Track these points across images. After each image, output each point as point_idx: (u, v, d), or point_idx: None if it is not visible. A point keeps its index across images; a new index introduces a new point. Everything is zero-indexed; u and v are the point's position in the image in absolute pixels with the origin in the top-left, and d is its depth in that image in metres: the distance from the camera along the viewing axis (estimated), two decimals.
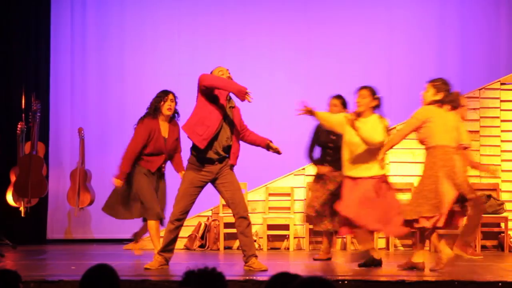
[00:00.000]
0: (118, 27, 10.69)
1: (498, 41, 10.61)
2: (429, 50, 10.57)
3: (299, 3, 10.71)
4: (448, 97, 6.63)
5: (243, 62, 10.46)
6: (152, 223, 7.48)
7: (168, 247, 6.80)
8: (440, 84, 6.68)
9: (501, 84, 9.67)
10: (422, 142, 6.67)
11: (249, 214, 6.81)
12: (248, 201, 9.60)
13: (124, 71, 10.59)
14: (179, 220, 6.72)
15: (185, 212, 6.73)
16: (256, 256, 6.67)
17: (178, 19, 10.69)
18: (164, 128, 7.51)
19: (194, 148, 6.66)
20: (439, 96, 6.62)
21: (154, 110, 7.45)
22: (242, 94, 6.46)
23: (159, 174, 7.58)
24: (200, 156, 6.63)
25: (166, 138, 7.48)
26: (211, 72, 6.89)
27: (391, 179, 9.54)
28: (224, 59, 10.61)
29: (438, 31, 10.63)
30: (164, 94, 7.52)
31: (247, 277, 5.69)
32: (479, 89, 9.69)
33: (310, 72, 10.56)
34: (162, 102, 7.47)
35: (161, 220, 7.48)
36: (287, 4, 10.71)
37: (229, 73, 6.87)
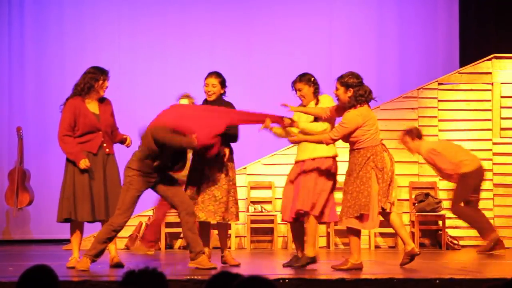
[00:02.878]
0: (56, 23, 10.57)
1: (436, 42, 10.79)
2: (369, 50, 10.69)
3: (238, 2, 10.74)
4: (358, 91, 6.47)
5: (184, 62, 10.45)
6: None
7: (101, 254, 6.51)
8: (348, 79, 6.50)
9: (439, 84, 9.83)
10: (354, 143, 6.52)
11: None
12: None
13: (63, 68, 10.47)
14: (122, 228, 6.55)
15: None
16: (204, 253, 6.61)
17: (118, 20, 10.61)
18: (93, 105, 6.88)
19: (153, 156, 6.44)
20: (349, 93, 6.46)
21: (86, 88, 6.84)
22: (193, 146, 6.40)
23: (105, 157, 6.89)
24: (160, 165, 6.48)
25: (98, 114, 6.87)
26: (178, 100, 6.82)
27: None
28: (165, 60, 10.60)
29: (377, 32, 10.76)
30: (100, 73, 6.87)
31: (189, 277, 5.68)
32: (417, 89, 9.83)
33: (251, 72, 10.59)
34: (101, 82, 6.86)
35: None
36: (226, 3, 10.73)
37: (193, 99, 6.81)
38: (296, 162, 6.92)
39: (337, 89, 6.53)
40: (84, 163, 6.73)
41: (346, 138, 6.49)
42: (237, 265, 7.02)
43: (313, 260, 6.72)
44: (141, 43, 10.60)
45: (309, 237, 6.76)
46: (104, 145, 6.89)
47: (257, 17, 10.75)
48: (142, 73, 10.53)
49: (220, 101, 7.02)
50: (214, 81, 7.01)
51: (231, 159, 7.02)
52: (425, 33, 10.79)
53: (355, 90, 6.45)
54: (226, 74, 10.55)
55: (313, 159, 6.75)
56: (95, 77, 6.87)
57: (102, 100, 6.96)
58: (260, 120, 6.72)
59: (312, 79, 6.87)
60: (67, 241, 8.95)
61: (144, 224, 9.46)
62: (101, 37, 10.57)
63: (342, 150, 7.06)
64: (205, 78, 7.08)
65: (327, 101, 6.83)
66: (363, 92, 6.46)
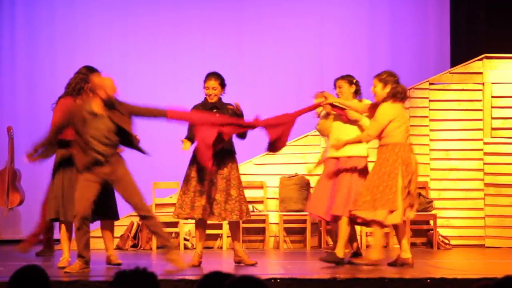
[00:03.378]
0: (48, 23, 10.54)
1: (427, 42, 10.81)
2: (360, 50, 10.71)
3: (231, 2, 10.74)
4: (396, 89, 6.70)
5: (175, 62, 10.44)
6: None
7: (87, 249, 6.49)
8: (386, 76, 6.76)
9: (430, 84, 9.84)
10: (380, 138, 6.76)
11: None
12: None
13: (55, 68, 10.44)
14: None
15: None
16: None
17: (110, 20, 10.59)
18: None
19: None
20: (387, 89, 6.69)
21: (77, 88, 6.82)
22: None
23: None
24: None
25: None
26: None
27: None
28: (156, 60, 10.59)
29: (368, 32, 10.78)
30: (90, 73, 6.73)
31: (180, 277, 5.68)
32: (409, 89, 9.80)
33: (243, 71, 10.59)
34: (87, 82, 6.73)
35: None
36: (217, 3, 10.72)
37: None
38: (331, 158, 7.08)
39: (374, 85, 6.78)
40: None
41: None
42: (254, 264, 7.06)
43: (341, 261, 6.79)
44: (133, 43, 10.58)
45: (340, 238, 6.88)
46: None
47: (248, 17, 10.75)
48: (133, 74, 10.50)
49: (220, 103, 7.07)
50: (214, 83, 7.12)
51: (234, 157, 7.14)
52: (416, 33, 10.81)
53: (393, 87, 6.68)
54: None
55: (349, 157, 6.97)
56: (85, 78, 6.83)
57: None
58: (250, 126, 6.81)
59: (354, 80, 7.18)
60: (57, 241, 8.94)
61: (135, 224, 9.44)
62: (92, 37, 10.53)
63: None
64: (205, 81, 7.16)
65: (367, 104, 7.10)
66: (400, 90, 6.70)
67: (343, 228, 6.86)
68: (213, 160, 6.77)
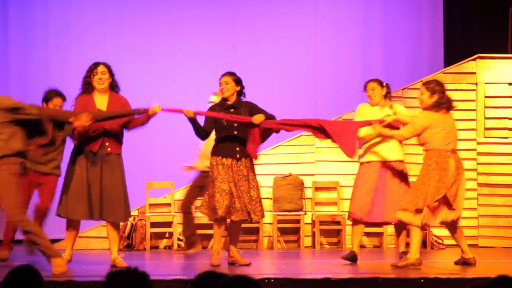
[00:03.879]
0: (42, 25, 10.50)
1: (420, 42, 10.83)
2: (354, 50, 10.71)
3: (225, 1, 10.74)
4: (442, 99, 6.88)
5: (170, 62, 10.43)
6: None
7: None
8: (434, 86, 6.92)
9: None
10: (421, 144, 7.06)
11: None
12: (175, 200, 9.57)
13: (49, 68, 10.41)
14: None
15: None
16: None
17: (104, 20, 10.58)
18: (101, 101, 6.85)
19: None
20: (434, 98, 6.87)
21: (86, 85, 6.89)
22: None
23: (104, 156, 6.77)
24: None
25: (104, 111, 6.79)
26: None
27: (318, 178, 9.71)
28: (152, 58, 10.58)
29: (362, 32, 10.79)
30: (94, 67, 6.94)
31: (174, 277, 5.68)
32: (402, 89, 9.85)
33: (237, 71, 10.56)
34: (92, 76, 6.88)
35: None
36: (211, 2, 10.72)
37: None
38: (371, 162, 7.31)
39: (422, 93, 7.00)
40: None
41: (417, 139, 7.01)
42: (248, 264, 7.10)
43: (415, 263, 6.90)
44: (127, 43, 10.56)
45: (413, 244, 6.98)
46: (106, 144, 6.76)
47: (242, 16, 10.75)
48: (128, 73, 10.49)
49: (238, 102, 7.11)
50: (227, 78, 7.19)
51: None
52: (410, 33, 10.82)
53: (439, 97, 6.90)
54: (212, 73, 10.57)
55: (400, 161, 7.38)
56: (89, 73, 6.94)
57: (114, 96, 6.94)
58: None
59: (384, 84, 7.45)
60: (52, 241, 8.93)
61: (129, 224, 9.42)
62: (87, 37, 10.51)
63: None
64: (219, 78, 7.25)
65: (401, 109, 7.52)
66: (445, 100, 6.94)
67: (416, 233, 6.93)
68: (243, 157, 6.98)
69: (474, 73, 9.82)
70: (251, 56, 10.61)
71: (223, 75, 7.24)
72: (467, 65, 9.86)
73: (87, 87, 6.91)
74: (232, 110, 7.10)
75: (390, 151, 7.31)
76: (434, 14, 10.84)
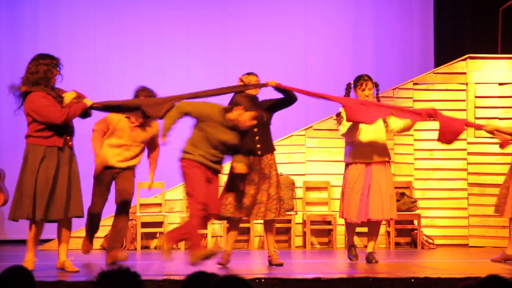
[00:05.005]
0: (31, 26, 10.49)
1: (411, 43, 10.85)
2: (344, 50, 10.73)
3: (215, 0, 10.75)
4: None
5: (160, 62, 10.43)
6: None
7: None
8: None
9: (414, 84, 9.87)
10: None
11: None
12: (166, 200, 9.57)
13: None
14: None
15: None
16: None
17: (94, 21, 10.56)
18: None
19: None
20: None
21: (46, 79, 6.41)
22: None
23: (70, 151, 6.50)
24: None
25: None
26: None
27: (309, 178, 9.72)
28: (141, 58, 10.56)
29: (352, 32, 10.80)
30: (56, 60, 6.50)
31: (165, 277, 5.67)
32: (393, 89, 9.87)
33: (227, 69, 10.59)
34: (55, 71, 6.48)
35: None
36: (203, 1, 10.72)
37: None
38: (363, 163, 7.38)
39: None
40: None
41: None
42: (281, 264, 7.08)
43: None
44: (117, 43, 10.56)
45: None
46: (68, 138, 6.50)
47: (232, 14, 10.76)
48: (117, 74, 10.49)
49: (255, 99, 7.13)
50: (255, 77, 7.22)
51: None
52: (401, 33, 10.85)
53: None
54: (202, 72, 10.60)
55: (387, 161, 7.52)
56: (51, 67, 6.49)
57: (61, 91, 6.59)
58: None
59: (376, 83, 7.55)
60: (43, 241, 8.91)
61: None
62: (76, 38, 10.49)
63: None
64: (246, 75, 7.22)
65: None
66: None
67: None
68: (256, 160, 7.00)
69: (465, 73, 9.85)
70: (241, 54, 10.61)
71: (252, 74, 7.23)
72: (458, 65, 9.88)
73: (48, 81, 6.52)
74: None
75: (377, 152, 7.32)
76: (425, 14, 10.87)
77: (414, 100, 9.79)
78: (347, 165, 7.40)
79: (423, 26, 10.86)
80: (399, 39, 10.82)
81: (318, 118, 9.77)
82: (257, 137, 7.00)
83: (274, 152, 7.16)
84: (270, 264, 7.12)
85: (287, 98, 7.08)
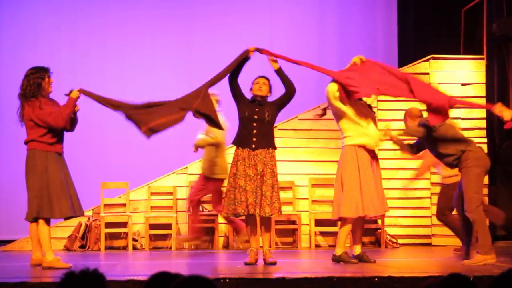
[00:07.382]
0: None
1: (374, 43, 10.92)
2: (309, 50, 10.76)
3: (179, 0, 10.74)
4: None
5: (124, 62, 10.39)
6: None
7: None
8: None
9: None
10: None
11: None
12: (130, 200, 9.53)
13: (1, 73, 10.31)
14: None
15: None
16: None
17: (58, 22, 10.49)
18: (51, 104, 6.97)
19: None
20: None
21: (38, 89, 6.81)
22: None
23: (62, 156, 6.94)
24: None
25: None
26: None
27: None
28: (104, 60, 10.52)
29: (317, 32, 10.86)
30: (45, 71, 6.95)
31: (129, 278, 5.65)
32: None
33: (192, 69, 10.57)
34: (47, 79, 6.91)
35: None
36: (165, 1, 10.70)
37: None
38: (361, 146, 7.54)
39: None
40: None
41: None
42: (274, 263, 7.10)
43: None
44: (81, 45, 10.50)
45: None
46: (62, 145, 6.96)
47: (197, 14, 10.74)
48: (81, 73, 10.42)
49: (265, 101, 7.27)
50: (264, 80, 7.44)
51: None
52: (364, 34, 10.91)
53: None
54: (167, 72, 10.57)
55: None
56: (41, 76, 6.91)
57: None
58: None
59: None
60: (4, 242, 8.83)
61: (83, 225, 9.35)
62: (40, 40, 10.42)
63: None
64: (257, 78, 7.48)
65: None
66: None
67: None
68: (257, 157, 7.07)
69: (428, 73, 9.93)
70: (206, 53, 10.60)
71: (262, 77, 7.49)
72: (421, 66, 9.96)
73: (41, 91, 6.92)
74: (258, 107, 7.20)
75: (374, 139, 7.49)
76: (388, 15, 10.95)
77: (378, 100, 9.84)
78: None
79: (387, 26, 10.94)
80: (363, 39, 10.88)
81: (282, 118, 9.78)
82: (254, 131, 7.06)
83: (274, 152, 7.18)
84: (265, 263, 7.12)
85: (288, 90, 7.35)
